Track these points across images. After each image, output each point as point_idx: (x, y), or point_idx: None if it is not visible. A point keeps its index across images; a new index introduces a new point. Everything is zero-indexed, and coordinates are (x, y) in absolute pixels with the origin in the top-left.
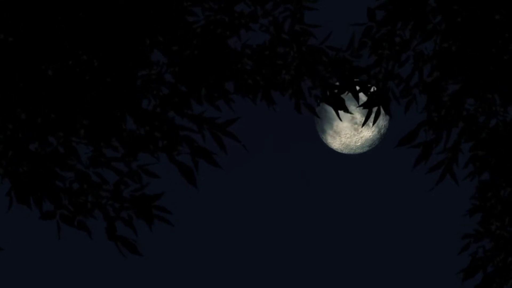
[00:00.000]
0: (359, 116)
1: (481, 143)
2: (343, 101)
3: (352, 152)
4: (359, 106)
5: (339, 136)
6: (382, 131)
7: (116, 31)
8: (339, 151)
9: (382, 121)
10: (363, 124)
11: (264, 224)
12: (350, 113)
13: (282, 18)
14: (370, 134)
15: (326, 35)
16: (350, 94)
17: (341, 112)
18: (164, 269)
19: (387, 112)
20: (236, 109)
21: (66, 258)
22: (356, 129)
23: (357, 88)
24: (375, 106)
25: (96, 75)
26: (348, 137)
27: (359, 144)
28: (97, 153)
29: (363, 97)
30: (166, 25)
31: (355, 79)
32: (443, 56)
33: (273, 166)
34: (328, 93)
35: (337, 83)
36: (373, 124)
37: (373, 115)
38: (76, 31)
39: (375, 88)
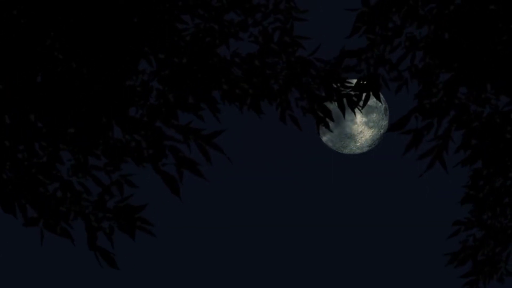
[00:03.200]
0: (358, 116)
1: (473, 132)
2: (329, 112)
3: (352, 152)
4: (350, 90)
5: (339, 136)
6: (382, 131)
7: (105, 38)
8: (339, 151)
9: (382, 121)
10: (354, 108)
11: (263, 224)
12: (330, 130)
13: (272, 28)
14: (370, 134)
15: (315, 47)
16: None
17: (338, 116)
18: (147, 280)
19: (377, 98)
20: (233, 110)
21: (51, 264)
22: (356, 129)
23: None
24: (366, 91)
25: (84, 83)
26: (348, 137)
27: (359, 144)
28: (79, 162)
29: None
30: (155, 33)
31: (342, 92)
32: (436, 44)
33: (272, 166)
34: (315, 105)
35: (324, 95)
36: (362, 107)
37: (369, 111)
38: (66, 38)
39: (366, 73)
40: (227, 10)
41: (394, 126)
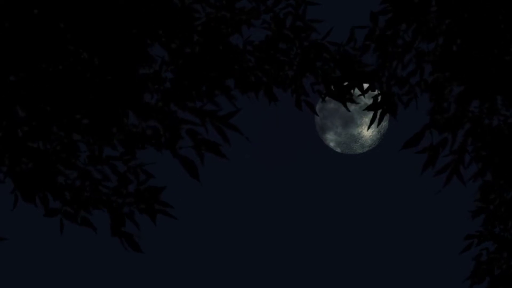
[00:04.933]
0: (359, 116)
1: (485, 144)
2: (349, 91)
3: (352, 152)
4: (365, 109)
5: (339, 136)
6: (382, 131)
7: (117, 26)
8: (339, 151)
9: (382, 121)
10: (369, 127)
11: (264, 223)
12: (356, 102)
13: (284, 14)
14: (370, 134)
15: (327, 30)
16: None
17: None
18: (168, 264)
19: (393, 115)
20: (239, 103)
21: (70, 254)
22: (356, 129)
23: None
24: (381, 108)
25: (97, 71)
26: (348, 137)
27: (359, 144)
28: (95, 152)
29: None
30: (167, 21)
31: (357, 71)
32: (446, 57)
33: (272, 166)
34: (332, 87)
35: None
36: (377, 126)
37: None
38: (77, 28)
39: (379, 91)
40: None
41: (408, 143)
